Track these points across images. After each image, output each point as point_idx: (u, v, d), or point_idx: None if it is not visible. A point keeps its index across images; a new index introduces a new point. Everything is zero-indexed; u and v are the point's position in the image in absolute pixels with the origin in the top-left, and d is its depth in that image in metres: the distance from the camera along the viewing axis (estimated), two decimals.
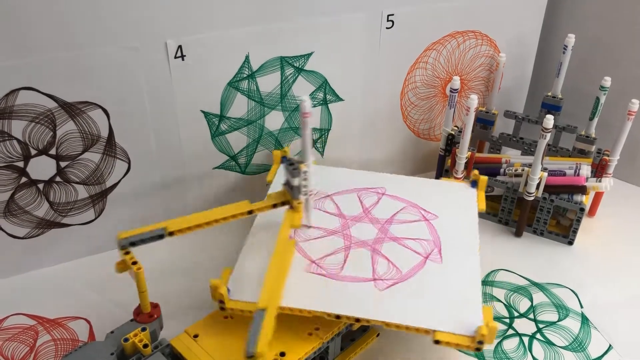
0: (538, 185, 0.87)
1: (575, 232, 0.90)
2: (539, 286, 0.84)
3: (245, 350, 0.53)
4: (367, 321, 0.63)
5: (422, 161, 1.06)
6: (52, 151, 0.76)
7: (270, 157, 0.91)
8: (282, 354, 0.63)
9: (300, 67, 0.85)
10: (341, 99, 0.92)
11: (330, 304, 0.64)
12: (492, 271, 0.86)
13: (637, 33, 0.96)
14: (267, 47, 0.82)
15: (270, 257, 0.64)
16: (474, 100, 0.84)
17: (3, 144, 0.73)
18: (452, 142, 0.96)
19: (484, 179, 0.84)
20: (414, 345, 0.74)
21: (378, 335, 0.74)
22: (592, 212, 0.97)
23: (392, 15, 0.87)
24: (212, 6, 0.75)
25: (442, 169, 0.97)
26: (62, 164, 0.78)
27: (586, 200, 0.90)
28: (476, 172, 0.85)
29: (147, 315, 0.65)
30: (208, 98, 0.82)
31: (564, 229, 0.93)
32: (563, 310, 0.80)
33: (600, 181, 0.89)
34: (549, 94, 0.98)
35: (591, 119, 0.93)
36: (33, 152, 0.75)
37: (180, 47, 0.76)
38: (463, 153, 0.89)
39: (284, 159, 0.86)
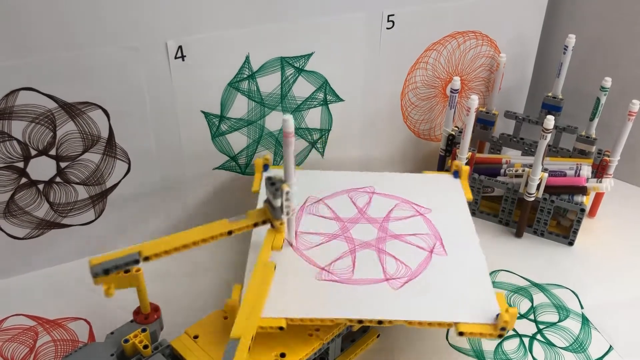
0: (538, 185, 0.87)
1: (575, 232, 0.90)
2: (540, 287, 0.84)
3: None
4: (390, 322, 0.63)
5: (422, 161, 1.06)
6: (52, 152, 0.76)
7: (270, 158, 0.91)
8: (282, 355, 0.62)
9: (300, 67, 0.85)
10: (341, 99, 0.91)
11: (350, 310, 0.64)
12: (492, 272, 0.86)
13: (637, 33, 0.96)
14: (268, 47, 0.82)
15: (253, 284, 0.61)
16: (474, 101, 0.84)
17: (3, 144, 0.73)
18: (452, 142, 0.95)
19: (465, 168, 0.84)
20: (414, 345, 0.74)
21: (378, 336, 0.74)
22: (592, 212, 0.97)
23: (393, 15, 0.87)
24: (213, 6, 0.75)
25: (443, 169, 0.97)
26: (62, 164, 0.78)
27: (587, 200, 0.90)
28: (457, 162, 0.85)
29: (147, 316, 0.65)
30: (208, 98, 0.82)
31: (564, 229, 0.93)
32: (563, 311, 0.80)
33: (600, 182, 0.89)
34: (550, 94, 0.98)
35: (591, 119, 0.93)
36: (33, 152, 0.75)
37: (180, 47, 0.76)
38: (463, 153, 0.90)
39: (266, 167, 0.85)
